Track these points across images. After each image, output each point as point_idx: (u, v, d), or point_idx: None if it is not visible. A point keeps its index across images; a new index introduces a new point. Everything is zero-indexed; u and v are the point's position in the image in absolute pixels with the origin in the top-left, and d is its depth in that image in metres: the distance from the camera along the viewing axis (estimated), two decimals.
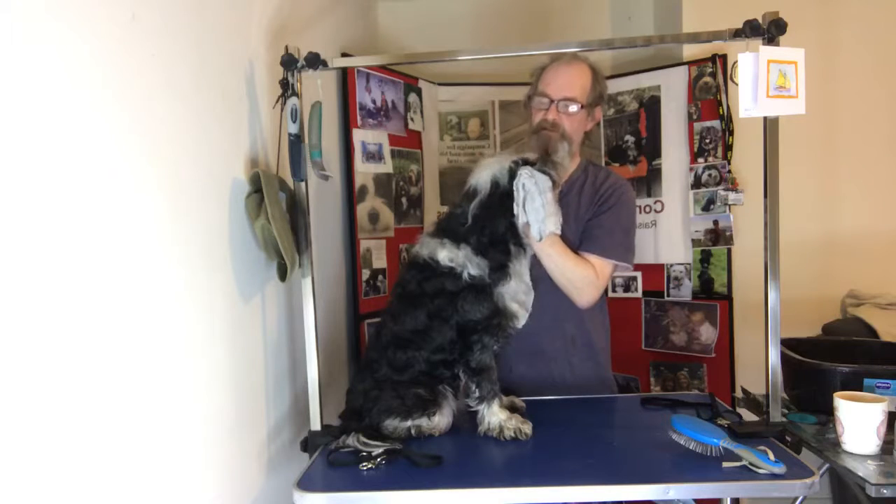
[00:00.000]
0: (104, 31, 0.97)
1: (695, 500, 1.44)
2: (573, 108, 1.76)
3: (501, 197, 1.52)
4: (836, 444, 1.52)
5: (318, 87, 1.63)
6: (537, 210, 1.49)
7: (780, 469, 1.23)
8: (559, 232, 1.56)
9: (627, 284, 2.89)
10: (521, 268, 1.57)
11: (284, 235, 1.46)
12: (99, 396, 0.94)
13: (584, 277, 1.70)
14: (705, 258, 2.74)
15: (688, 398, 1.73)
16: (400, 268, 2.58)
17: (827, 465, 1.60)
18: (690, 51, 2.79)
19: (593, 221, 1.77)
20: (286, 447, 1.69)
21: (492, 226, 1.52)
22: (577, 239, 1.76)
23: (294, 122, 1.51)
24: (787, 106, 1.41)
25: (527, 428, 1.49)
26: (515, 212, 1.51)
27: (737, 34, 1.44)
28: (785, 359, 1.68)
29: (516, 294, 1.55)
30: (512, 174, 1.52)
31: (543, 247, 1.63)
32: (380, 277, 2.56)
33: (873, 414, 1.45)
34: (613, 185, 1.81)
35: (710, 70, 2.67)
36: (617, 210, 1.77)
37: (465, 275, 1.49)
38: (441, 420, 1.51)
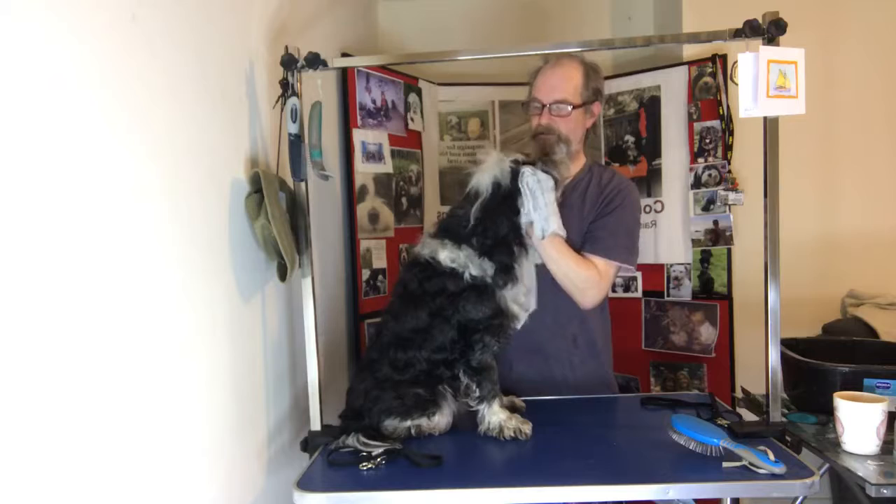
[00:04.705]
0: (104, 31, 0.97)
1: (695, 500, 1.44)
2: (565, 109, 1.76)
3: (504, 198, 1.52)
4: (836, 444, 1.52)
5: (318, 87, 1.63)
6: (540, 209, 1.50)
7: (780, 469, 1.23)
8: (562, 233, 1.57)
9: (627, 284, 2.89)
10: (522, 270, 1.57)
11: (284, 235, 1.46)
12: (99, 396, 0.94)
13: (587, 279, 1.70)
14: (705, 258, 2.74)
15: (688, 398, 1.73)
16: (400, 268, 2.58)
17: (827, 465, 1.60)
18: (690, 51, 2.79)
19: (597, 223, 1.77)
20: (286, 447, 1.69)
21: (494, 227, 1.51)
22: (580, 239, 1.76)
23: (294, 122, 1.51)
24: (787, 106, 1.41)
25: (527, 428, 1.49)
26: (523, 210, 1.51)
27: (737, 34, 1.44)
28: (785, 359, 1.68)
29: (517, 296, 1.55)
30: (514, 174, 1.52)
31: (546, 247, 1.63)
32: (380, 277, 2.56)
33: (873, 414, 1.45)
34: (618, 186, 1.81)
35: (710, 70, 2.67)
36: (621, 211, 1.77)
37: (467, 275, 1.49)
38: (441, 420, 1.51)
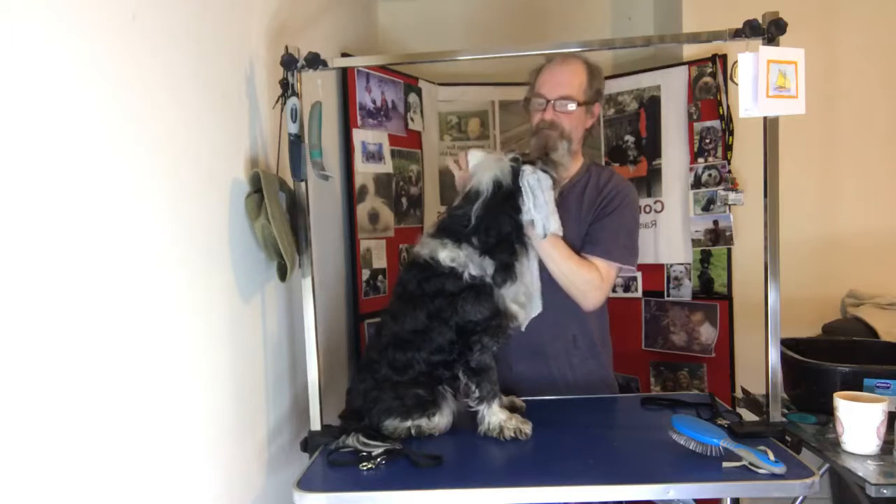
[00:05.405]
0: (104, 31, 0.97)
1: (695, 500, 1.44)
2: (570, 106, 1.76)
3: (505, 196, 1.52)
4: (836, 444, 1.52)
5: (318, 87, 1.63)
6: (540, 207, 1.50)
7: (780, 469, 1.23)
8: (561, 233, 1.56)
9: (627, 284, 2.89)
10: (523, 269, 1.57)
11: (284, 235, 1.46)
12: (99, 397, 0.94)
13: (588, 280, 1.70)
14: (705, 258, 2.74)
15: (688, 398, 1.73)
16: (400, 268, 2.58)
17: (827, 465, 1.60)
18: (690, 51, 2.79)
19: (597, 224, 1.77)
20: (286, 447, 1.69)
21: (496, 226, 1.51)
22: (579, 240, 1.76)
23: (294, 122, 1.51)
24: (787, 106, 1.41)
25: (527, 428, 1.48)
26: (524, 208, 1.51)
27: (737, 34, 1.44)
28: (785, 359, 1.68)
29: (517, 295, 1.54)
30: (515, 173, 1.52)
31: (546, 248, 1.63)
32: (380, 277, 2.56)
33: (873, 414, 1.45)
34: (616, 186, 1.81)
35: (710, 70, 2.67)
36: (620, 212, 1.77)
37: (466, 275, 1.49)
38: (441, 420, 1.51)
